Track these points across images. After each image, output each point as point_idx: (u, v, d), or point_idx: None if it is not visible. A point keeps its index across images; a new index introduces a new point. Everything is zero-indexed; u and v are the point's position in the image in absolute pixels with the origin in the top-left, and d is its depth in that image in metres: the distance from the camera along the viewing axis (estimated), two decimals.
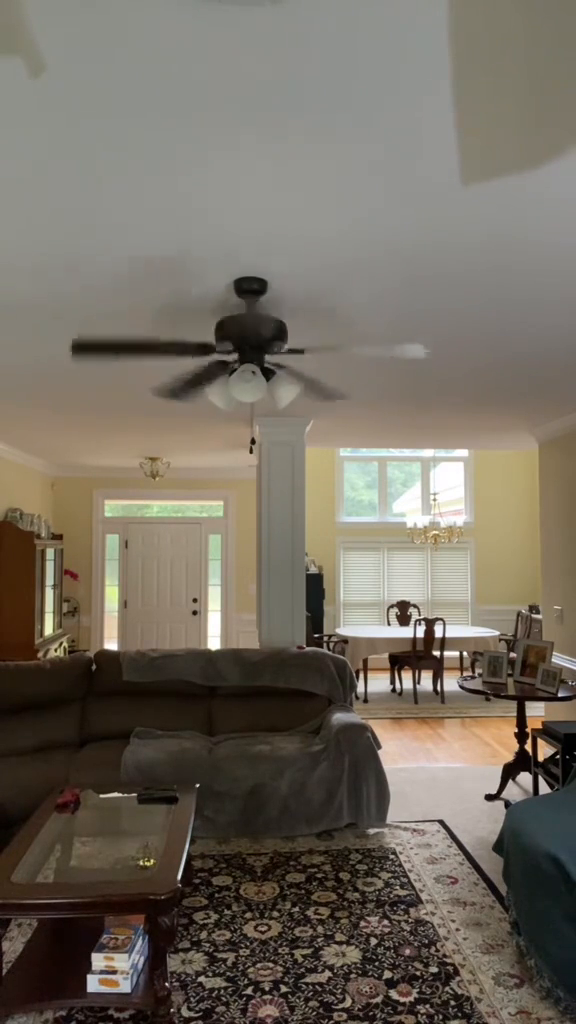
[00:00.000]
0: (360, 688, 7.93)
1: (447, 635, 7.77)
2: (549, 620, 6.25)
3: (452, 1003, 2.56)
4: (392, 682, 8.26)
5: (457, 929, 3.07)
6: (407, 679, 8.63)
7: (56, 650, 7.78)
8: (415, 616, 8.94)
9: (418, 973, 2.74)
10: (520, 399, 5.04)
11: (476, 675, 5.07)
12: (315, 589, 8.57)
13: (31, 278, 2.79)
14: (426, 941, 2.97)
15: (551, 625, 6.18)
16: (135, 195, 2.15)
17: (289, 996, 2.61)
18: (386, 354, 2.83)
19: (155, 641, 9.35)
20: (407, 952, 2.89)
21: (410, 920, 3.14)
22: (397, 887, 3.44)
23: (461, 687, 4.76)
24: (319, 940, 2.98)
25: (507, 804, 4.48)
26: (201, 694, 4.77)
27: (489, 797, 4.67)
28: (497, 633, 8.15)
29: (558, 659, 5.77)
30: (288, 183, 2.09)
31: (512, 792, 4.76)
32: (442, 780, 5.03)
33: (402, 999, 2.59)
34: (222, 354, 2.92)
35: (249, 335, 2.79)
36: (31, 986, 2.50)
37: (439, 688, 7.88)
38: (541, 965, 2.59)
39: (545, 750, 5.17)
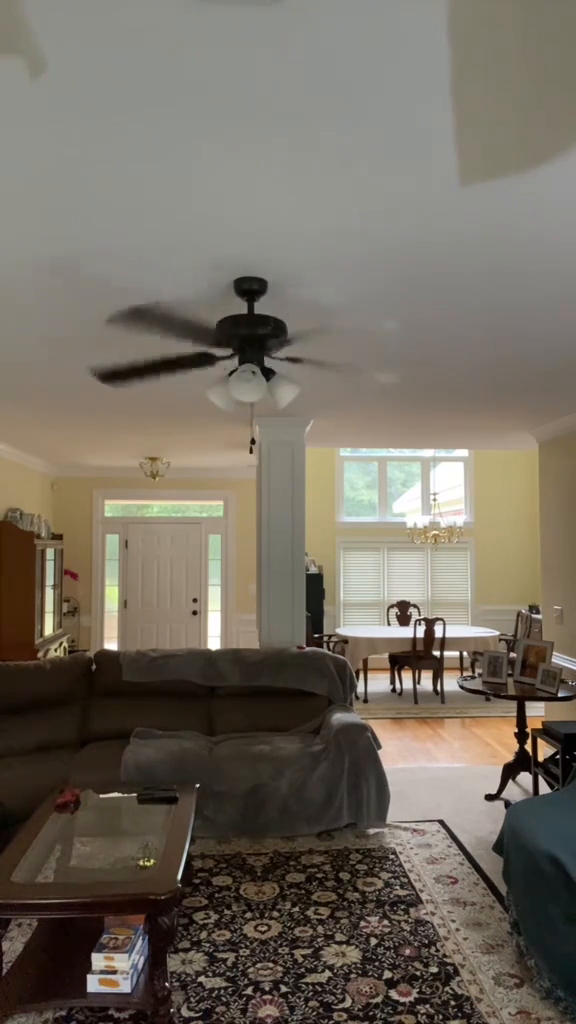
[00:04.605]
0: (360, 688, 7.93)
1: (447, 635, 7.77)
2: (549, 620, 6.25)
3: (452, 1003, 2.56)
4: (392, 682, 8.26)
5: (457, 929, 3.07)
6: (407, 679, 8.63)
7: (56, 650, 7.78)
8: (415, 616, 8.94)
9: (418, 973, 2.74)
10: (520, 399, 5.04)
11: (476, 675, 5.07)
12: (315, 589, 8.57)
13: (29, 277, 2.80)
14: (426, 941, 2.97)
15: (551, 625, 6.18)
16: (134, 194, 2.15)
17: (289, 996, 2.61)
18: (379, 379, 2.81)
19: (155, 641, 9.34)
20: (407, 952, 2.89)
21: (410, 920, 3.14)
22: (397, 887, 3.44)
23: (461, 687, 4.76)
24: (319, 940, 2.98)
25: (507, 804, 4.48)
26: (201, 694, 4.77)
27: (489, 797, 4.67)
28: (497, 633, 8.15)
29: (558, 659, 5.77)
30: (288, 183, 2.09)
31: (512, 792, 4.76)
32: (442, 780, 5.03)
33: (402, 999, 2.59)
34: (222, 358, 2.92)
35: (249, 335, 2.79)
36: (31, 986, 2.50)
37: (439, 688, 7.88)
38: (541, 965, 2.59)
39: (545, 750, 5.17)
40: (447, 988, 2.65)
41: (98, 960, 2.50)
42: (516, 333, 3.53)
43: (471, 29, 1.48)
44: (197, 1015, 2.51)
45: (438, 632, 7.69)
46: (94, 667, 4.78)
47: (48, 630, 7.64)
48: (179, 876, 2.54)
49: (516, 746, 4.78)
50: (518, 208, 2.24)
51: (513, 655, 5.25)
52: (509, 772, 4.72)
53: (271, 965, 2.81)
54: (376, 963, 2.82)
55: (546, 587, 6.31)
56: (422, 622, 7.69)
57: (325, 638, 7.98)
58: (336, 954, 2.88)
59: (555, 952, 2.51)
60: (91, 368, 3.14)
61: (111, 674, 4.70)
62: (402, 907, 3.26)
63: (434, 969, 2.77)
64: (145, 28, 1.48)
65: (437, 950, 2.90)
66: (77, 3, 1.41)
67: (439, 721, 6.89)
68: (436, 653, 7.73)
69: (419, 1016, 2.49)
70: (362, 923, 3.12)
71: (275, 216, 2.29)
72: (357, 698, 7.66)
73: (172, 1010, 2.51)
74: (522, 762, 4.72)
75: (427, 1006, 2.54)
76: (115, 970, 2.48)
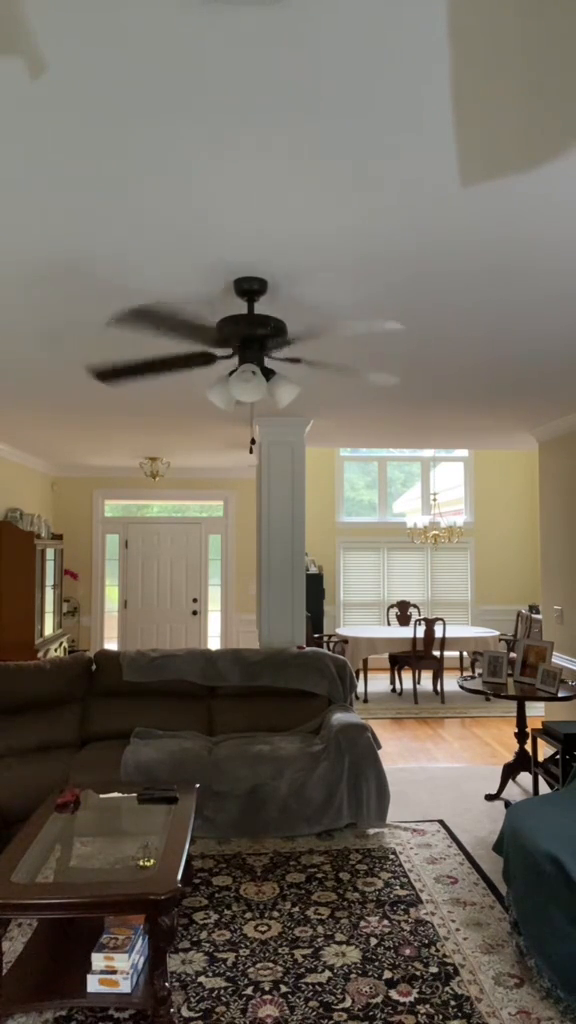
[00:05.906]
0: (360, 688, 7.93)
1: (447, 635, 7.77)
2: (549, 620, 6.25)
3: (452, 1003, 2.56)
4: (392, 682, 8.26)
5: (457, 929, 3.07)
6: (407, 679, 8.63)
7: (56, 650, 7.78)
8: (415, 616, 8.94)
9: (418, 973, 2.74)
10: (520, 399, 5.04)
11: (476, 675, 5.07)
12: (315, 589, 8.57)
13: (29, 278, 2.79)
14: (426, 941, 2.97)
15: (551, 625, 6.18)
16: (135, 195, 2.15)
17: (289, 996, 2.61)
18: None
19: (155, 641, 9.34)
20: (407, 952, 2.89)
21: (410, 920, 3.14)
22: (397, 887, 3.44)
23: (461, 687, 4.76)
24: (319, 940, 2.98)
25: (507, 804, 4.48)
26: (201, 694, 4.77)
27: (489, 797, 4.67)
28: (497, 633, 8.15)
29: (558, 659, 5.77)
30: (288, 183, 2.09)
31: (512, 792, 4.76)
32: (442, 780, 5.03)
33: (402, 999, 2.59)
34: (222, 357, 2.92)
35: (249, 335, 2.79)
36: (31, 986, 2.50)
37: (439, 688, 7.88)
38: (541, 965, 2.59)
39: (545, 750, 5.17)
40: (447, 988, 2.65)
41: (98, 960, 2.50)
42: (517, 333, 3.53)
43: (472, 29, 1.48)
44: (197, 1015, 2.51)
45: (438, 632, 7.69)
46: (94, 667, 4.78)
47: (48, 630, 7.63)
48: (179, 876, 2.54)
49: (516, 746, 4.78)
50: (519, 208, 2.24)
51: (513, 655, 5.25)
52: (509, 772, 4.72)
53: (271, 965, 2.81)
54: (376, 963, 2.82)
55: (546, 587, 6.30)
56: (422, 622, 7.69)
57: (325, 638, 7.98)
58: (336, 954, 2.88)
59: (555, 952, 2.51)
60: (88, 367, 3.13)
61: (111, 674, 4.70)
62: (402, 907, 3.25)
63: (434, 969, 2.77)
64: (145, 28, 1.48)
65: (437, 950, 2.90)
66: (77, 3, 1.41)
67: (439, 721, 6.89)
68: (436, 653, 7.73)
69: (419, 1016, 2.49)
70: (362, 923, 3.12)
71: (276, 216, 2.29)
72: (357, 698, 7.66)
73: (172, 1010, 2.51)
74: (522, 762, 4.72)
75: (427, 1006, 2.54)
76: (115, 970, 2.48)
